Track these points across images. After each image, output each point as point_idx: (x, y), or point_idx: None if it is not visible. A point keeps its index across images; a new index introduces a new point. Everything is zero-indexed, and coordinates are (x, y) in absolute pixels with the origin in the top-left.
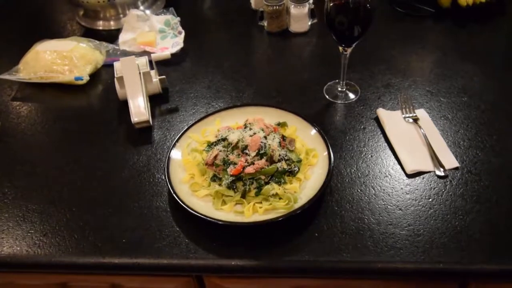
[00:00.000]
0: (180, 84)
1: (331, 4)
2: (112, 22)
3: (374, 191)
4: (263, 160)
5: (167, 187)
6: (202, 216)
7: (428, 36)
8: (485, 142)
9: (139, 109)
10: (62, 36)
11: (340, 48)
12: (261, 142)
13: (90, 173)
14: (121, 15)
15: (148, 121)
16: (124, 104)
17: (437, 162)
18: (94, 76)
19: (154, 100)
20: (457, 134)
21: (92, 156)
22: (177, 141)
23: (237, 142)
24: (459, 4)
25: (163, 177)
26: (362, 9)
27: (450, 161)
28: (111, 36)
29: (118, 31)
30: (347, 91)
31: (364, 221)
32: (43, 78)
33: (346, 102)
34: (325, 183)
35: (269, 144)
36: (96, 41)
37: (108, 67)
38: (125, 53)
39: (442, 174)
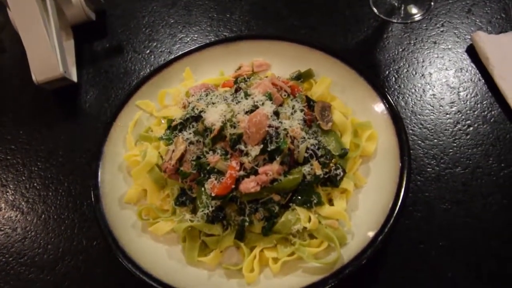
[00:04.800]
0: (124, 3)
1: None
2: None
3: (486, 202)
4: (276, 164)
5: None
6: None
7: None
8: None
9: (43, 58)
10: None
11: None
12: (270, 125)
13: None
14: None
15: (63, 78)
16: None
17: None
18: None
19: (81, 34)
20: None
21: None
22: (114, 118)
23: (222, 128)
24: None
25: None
26: None
27: None
28: None
29: None
30: (412, 0)
31: (481, 277)
32: None
33: (412, 21)
34: (397, 203)
35: (285, 129)
36: None
37: None
38: None
39: None
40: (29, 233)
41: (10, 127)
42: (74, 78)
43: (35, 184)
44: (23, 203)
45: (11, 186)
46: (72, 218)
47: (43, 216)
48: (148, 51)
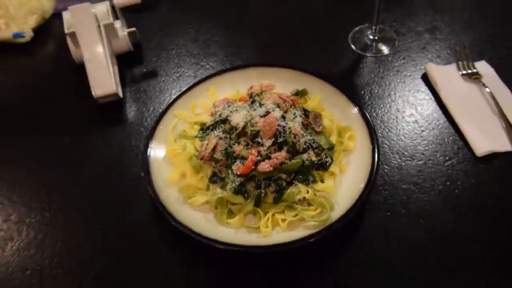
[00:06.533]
0: (156, 38)
1: None
2: None
3: (434, 184)
4: (283, 152)
5: (149, 192)
6: (201, 239)
7: None
8: None
9: (101, 78)
10: None
11: None
12: (279, 125)
13: (38, 170)
14: None
15: (116, 94)
16: (83, 68)
17: None
18: (41, 30)
19: (123, 62)
20: None
21: (41, 145)
22: (157, 123)
23: (244, 127)
24: None
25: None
26: None
27: None
28: None
29: None
30: (381, 40)
31: (429, 232)
32: None
33: (381, 55)
34: (369, 183)
35: (289, 127)
36: None
37: (57, 16)
38: None
39: None
40: (96, 208)
41: (69, 131)
42: (121, 94)
43: (95, 171)
44: (88, 186)
45: (76, 175)
46: (125, 196)
47: (105, 196)
48: (177, 75)
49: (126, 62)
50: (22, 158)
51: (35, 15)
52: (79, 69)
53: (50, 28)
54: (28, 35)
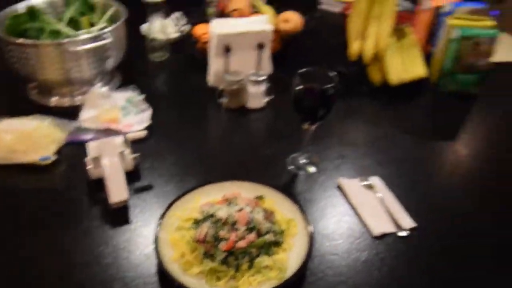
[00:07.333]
0: (149, 161)
1: (299, 88)
2: (66, 99)
3: (348, 254)
4: (253, 234)
5: (159, 268)
6: None
7: (369, 111)
8: (436, 204)
9: (119, 189)
10: (14, 113)
11: (305, 125)
12: (249, 216)
13: (67, 262)
14: (76, 92)
15: (126, 200)
16: (95, 182)
17: (397, 224)
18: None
19: (128, 177)
20: (409, 197)
21: (67, 242)
22: (162, 218)
23: (227, 218)
24: (389, 83)
25: (152, 259)
26: (328, 92)
27: (407, 221)
28: (67, 114)
29: (74, 108)
30: (309, 163)
31: (348, 284)
32: (6, 159)
33: (309, 173)
34: (308, 254)
35: (256, 218)
36: (58, 119)
37: (69, 144)
38: (89, 131)
39: (403, 234)
40: (113, 280)
41: (88, 230)
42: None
43: (111, 255)
44: (106, 265)
45: (97, 259)
46: (137, 271)
47: (120, 272)
48: (168, 188)
49: (129, 178)
50: (49, 252)
51: (54, 144)
52: (91, 183)
53: (62, 153)
54: (52, 158)
